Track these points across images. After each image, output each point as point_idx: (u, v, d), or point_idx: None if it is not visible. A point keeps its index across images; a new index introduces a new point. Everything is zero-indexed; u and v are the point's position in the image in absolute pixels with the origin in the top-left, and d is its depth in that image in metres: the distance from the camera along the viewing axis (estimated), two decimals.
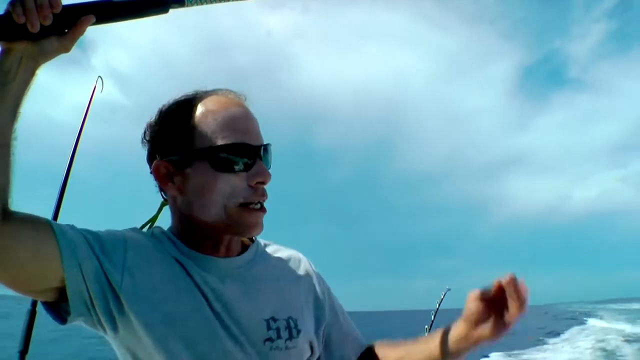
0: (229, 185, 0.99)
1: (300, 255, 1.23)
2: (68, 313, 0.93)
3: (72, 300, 0.90)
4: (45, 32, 0.84)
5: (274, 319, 1.04)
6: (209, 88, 1.08)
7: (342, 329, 1.20)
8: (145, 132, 1.09)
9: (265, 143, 1.04)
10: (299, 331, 1.07)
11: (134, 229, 1.08)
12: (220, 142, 0.99)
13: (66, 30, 0.87)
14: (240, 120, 1.02)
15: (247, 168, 1.00)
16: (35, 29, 0.82)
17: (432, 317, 3.36)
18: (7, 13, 0.81)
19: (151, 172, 1.06)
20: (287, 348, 1.03)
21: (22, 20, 0.80)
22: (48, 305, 0.94)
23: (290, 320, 1.07)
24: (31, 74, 0.87)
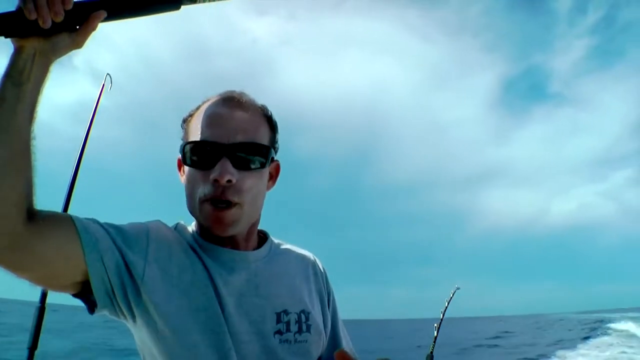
0: (194, 181, 1.02)
1: (313, 256, 1.26)
2: (95, 303, 0.95)
3: (96, 292, 0.93)
4: (57, 28, 0.84)
5: (285, 312, 1.07)
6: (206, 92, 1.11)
7: (339, 330, 1.22)
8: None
9: (242, 142, 1.01)
10: (309, 325, 1.09)
11: (157, 221, 1.10)
12: (190, 139, 1.04)
13: (78, 27, 0.87)
14: (216, 118, 1.03)
15: (209, 165, 1.00)
16: (47, 25, 0.82)
17: (442, 315, 3.35)
18: (19, 9, 0.81)
19: None
20: (297, 341, 1.06)
21: (33, 16, 0.80)
22: (79, 296, 0.97)
23: (302, 315, 1.09)
24: (45, 71, 0.87)
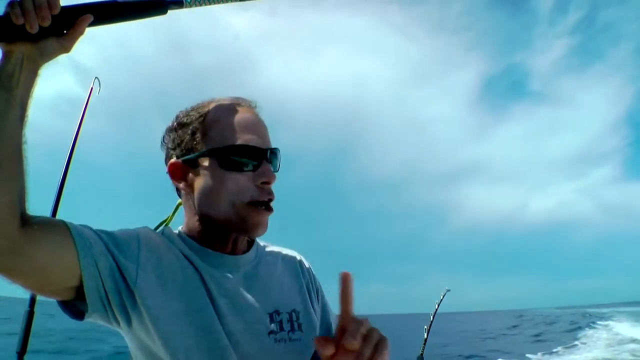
0: (236, 184, 1.03)
1: (298, 255, 1.29)
2: (83, 310, 0.96)
3: (89, 297, 0.93)
4: (44, 33, 0.84)
5: (277, 312, 1.09)
6: (224, 95, 1.14)
7: (330, 325, 1.23)
8: (163, 136, 1.14)
9: (272, 147, 1.10)
10: (300, 324, 1.11)
11: (145, 228, 1.11)
12: (230, 143, 1.04)
13: (65, 31, 0.88)
14: (250, 124, 1.08)
15: (254, 169, 1.05)
16: (34, 30, 0.82)
17: (432, 317, 3.37)
18: (6, 14, 0.81)
19: (167, 173, 1.11)
20: (291, 340, 1.08)
21: (20, 21, 0.81)
22: (64, 304, 0.97)
23: (293, 314, 1.12)
24: (34, 75, 0.87)
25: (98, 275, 0.93)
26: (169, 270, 1.02)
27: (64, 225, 0.93)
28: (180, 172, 1.09)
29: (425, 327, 3.31)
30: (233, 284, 1.06)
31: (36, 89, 0.88)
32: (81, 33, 0.89)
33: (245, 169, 1.04)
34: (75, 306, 0.97)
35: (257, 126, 1.09)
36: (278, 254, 1.25)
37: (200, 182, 1.07)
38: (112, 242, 0.98)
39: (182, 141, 1.09)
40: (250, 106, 1.13)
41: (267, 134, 1.11)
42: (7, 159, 0.83)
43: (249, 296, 1.07)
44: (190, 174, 1.08)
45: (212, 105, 1.10)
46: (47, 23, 0.83)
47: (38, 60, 0.87)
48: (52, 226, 0.92)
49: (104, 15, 0.89)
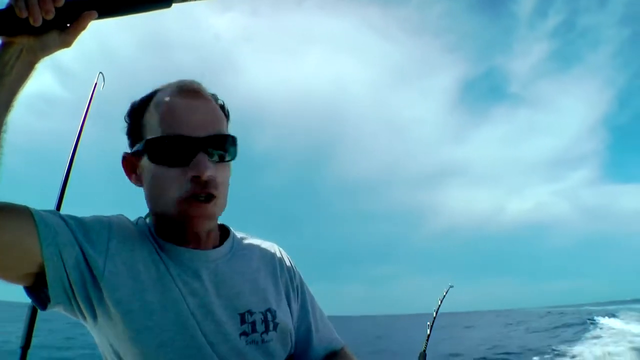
0: (169, 180, 0.98)
1: (277, 247, 1.22)
2: (49, 299, 0.92)
3: (51, 287, 0.89)
4: (47, 27, 0.83)
5: (250, 312, 1.04)
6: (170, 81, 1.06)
7: (310, 325, 1.18)
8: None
9: (215, 134, 1.00)
10: (276, 324, 1.06)
11: (120, 215, 1.07)
12: (158, 134, 0.98)
13: (68, 25, 0.87)
14: (184, 110, 0.99)
15: (185, 161, 0.97)
16: (38, 23, 0.81)
17: (434, 314, 3.36)
18: (9, 7, 0.80)
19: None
20: (264, 341, 1.03)
21: (24, 14, 0.80)
22: (29, 290, 0.93)
23: (268, 313, 1.06)
24: (29, 68, 0.86)
25: (62, 266, 0.89)
26: (141, 262, 0.98)
27: (28, 212, 0.89)
28: (130, 166, 1.05)
29: (428, 323, 3.30)
30: (201, 283, 1.01)
31: (29, 81, 0.87)
32: (84, 27, 0.87)
33: (177, 162, 0.97)
34: (40, 292, 0.93)
35: (194, 112, 0.99)
36: (255, 247, 1.18)
37: (144, 176, 1.02)
38: (80, 230, 0.94)
39: (130, 133, 1.06)
40: (194, 89, 1.03)
41: (210, 119, 1.01)
42: None
43: (219, 295, 1.02)
44: (139, 168, 1.03)
45: (156, 93, 1.04)
46: (50, 16, 0.82)
47: (38, 53, 0.86)
48: (15, 212, 0.88)
49: (107, 8, 0.88)
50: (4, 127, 0.84)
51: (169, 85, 1.05)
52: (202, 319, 0.98)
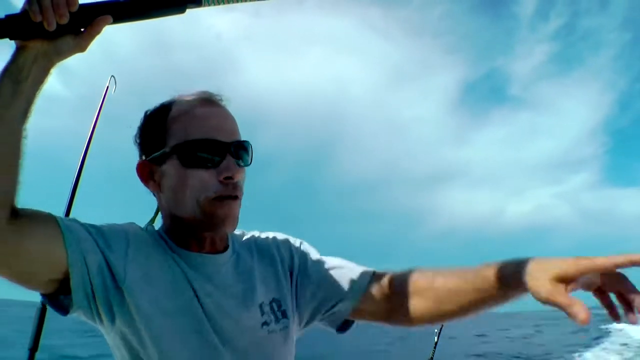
0: (199, 181, 1.00)
1: (279, 235, 1.24)
2: (68, 305, 0.94)
3: (75, 293, 0.92)
4: (62, 31, 0.84)
5: (262, 305, 1.08)
6: (190, 90, 1.09)
7: (319, 277, 1.16)
8: (135, 136, 1.11)
9: (239, 140, 1.04)
10: (283, 311, 1.11)
11: (132, 224, 1.09)
12: (190, 138, 1.00)
13: (82, 30, 0.88)
14: (211, 117, 1.03)
15: (216, 164, 1.00)
16: (52, 27, 0.82)
17: None
18: (24, 11, 0.81)
19: (136, 173, 1.08)
20: (281, 330, 1.08)
21: (38, 18, 0.81)
22: (48, 297, 0.95)
23: (274, 303, 1.10)
24: (45, 73, 0.87)
25: (86, 272, 0.92)
26: (156, 268, 1.00)
27: (53, 219, 0.92)
28: (147, 172, 1.07)
29: (436, 330, 3.28)
30: (215, 284, 1.04)
31: (44, 86, 0.87)
32: (99, 32, 0.88)
33: (207, 164, 1.00)
34: (59, 300, 0.95)
35: (221, 119, 1.04)
36: (253, 242, 1.20)
37: (166, 181, 1.04)
38: (101, 238, 0.96)
39: (148, 140, 1.07)
40: (215, 99, 1.07)
41: (234, 127, 1.06)
42: (6, 149, 0.83)
43: (232, 294, 1.06)
44: (157, 174, 1.05)
45: (176, 101, 1.07)
46: (65, 20, 0.82)
47: (53, 57, 0.87)
48: (42, 219, 0.91)
49: (122, 13, 0.89)
50: (24, 133, 0.85)
51: (189, 95, 1.08)
52: (220, 318, 1.01)
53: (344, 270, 1.17)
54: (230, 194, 1.00)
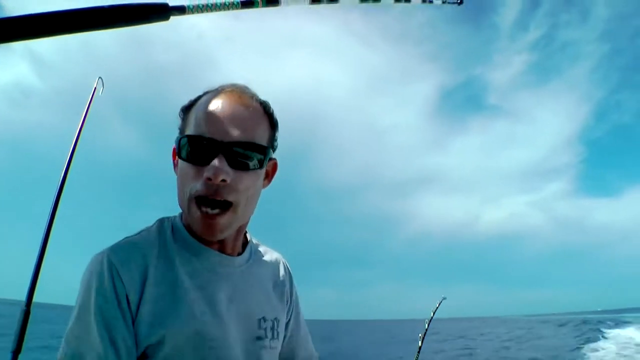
0: (186, 176, 0.99)
1: (283, 259, 1.26)
2: None
3: None
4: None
5: (264, 319, 1.09)
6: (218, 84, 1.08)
7: (297, 341, 1.26)
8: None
9: (240, 140, 0.99)
10: (278, 332, 1.12)
11: (142, 234, 1.05)
12: (190, 132, 1.00)
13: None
14: (215, 113, 0.99)
15: (205, 162, 0.97)
16: None
17: (426, 325, 3.36)
18: None
19: None
20: (271, 348, 1.09)
21: None
22: None
23: (275, 322, 1.12)
24: None
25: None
26: (154, 285, 0.97)
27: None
28: (175, 159, 1.06)
29: (420, 335, 3.30)
30: (228, 288, 1.05)
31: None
32: None
33: (199, 161, 0.97)
34: None
35: (223, 116, 0.99)
36: (266, 255, 1.21)
37: (177, 170, 1.04)
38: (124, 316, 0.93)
39: (180, 126, 1.07)
40: (236, 94, 1.03)
41: (243, 126, 0.99)
42: None
43: (242, 301, 1.06)
44: (177, 161, 1.04)
45: (207, 92, 1.06)
46: None
47: None
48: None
49: (105, 19, 0.89)
50: None
51: (221, 86, 1.06)
52: (227, 321, 1.01)
53: (305, 344, 1.29)
54: (208, 194, 0.96)
